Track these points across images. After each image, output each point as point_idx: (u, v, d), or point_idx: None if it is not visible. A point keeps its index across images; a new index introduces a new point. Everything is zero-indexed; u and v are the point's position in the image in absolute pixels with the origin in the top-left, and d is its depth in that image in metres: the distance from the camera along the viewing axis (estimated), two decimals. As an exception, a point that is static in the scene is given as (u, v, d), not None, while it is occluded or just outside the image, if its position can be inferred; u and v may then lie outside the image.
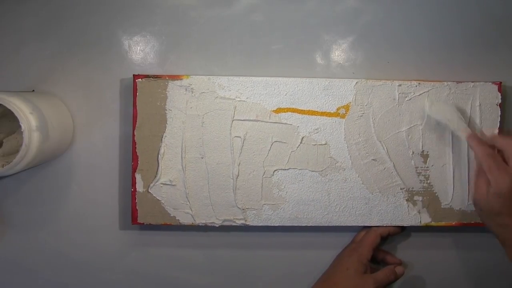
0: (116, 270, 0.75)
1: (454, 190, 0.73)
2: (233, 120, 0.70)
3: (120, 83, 0.73)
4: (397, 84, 0.71)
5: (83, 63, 0.73)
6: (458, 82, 0.71)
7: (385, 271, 0.71)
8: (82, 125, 0.74)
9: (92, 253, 0.75)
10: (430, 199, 0.73)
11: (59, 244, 0.75)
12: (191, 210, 0.71)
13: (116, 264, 0.75)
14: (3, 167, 0.63)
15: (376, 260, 0.75)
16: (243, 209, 0.71)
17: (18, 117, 0.60)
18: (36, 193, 0.74)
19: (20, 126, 0.60)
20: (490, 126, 0.72)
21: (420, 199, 0.72)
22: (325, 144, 0.71)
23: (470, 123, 0.71)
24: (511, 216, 0.62)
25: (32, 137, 0.61)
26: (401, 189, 0.72)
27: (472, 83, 0.72)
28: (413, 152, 0.72)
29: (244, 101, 0.70)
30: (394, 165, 0.72)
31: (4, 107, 0.60)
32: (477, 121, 0.72)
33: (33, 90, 0.72)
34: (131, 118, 0.71)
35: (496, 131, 0.72)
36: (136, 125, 0.70)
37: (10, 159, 0.65)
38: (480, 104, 0.72)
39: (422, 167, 0.72)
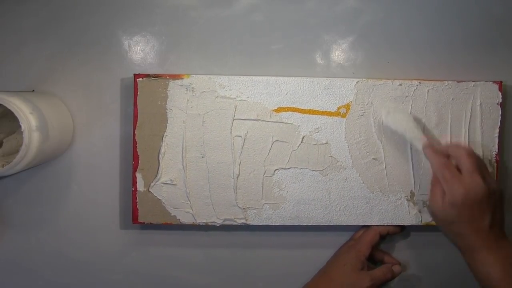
0: (116, 270, 0.75)
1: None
2: (233, 120, 0.70)
3: (121, 83, 0.73)
4: (398, 84, 0.71)
5: (83, 63, 0.73)
6: (458, 81, 0.72)
7: (382, 269, 0.71)
8: (82, 125, 0.73)
9: (93, 253, 0.75)
10: (431, 198, 0.73)
11: (59, 244, 0.75)
12: (192, 209, 0.71)
13: (117, 264, 0.75)
14: (3, 167, 0.62)
15: (374, 260, 0.75)
16: (243, 209, 0.71)
17: (18, 117, 0.60)
18: (36, 193, 0.74)
19: (20, 126, 0.60)
20: (491, 125, 0.72)
21: (421, 199, 0.72)
22: (325, 143, 0.71)
23: (425, 131, 0.72)
24: (465, 224, 0.62)
25: (32, 137, 0.61)
26: (401, 188, 0.72)
27: (473, 82, 0.72)
28: (413, 151, 0.72)
29: (244, 100, 0.70)
30: (394, 164, 0.72)
31: (4, 107, 0.60)
32: (478, 120, 0.72)
33: (33, 90, 0.72)
34: (132, 117, 0.71)
35: (497, 130, 0.72)
36: (137, 125, 0.70)
37: (10, 159, 0.65)
38: (481, 104, 0.72)
39: (422, 166, 0.72)
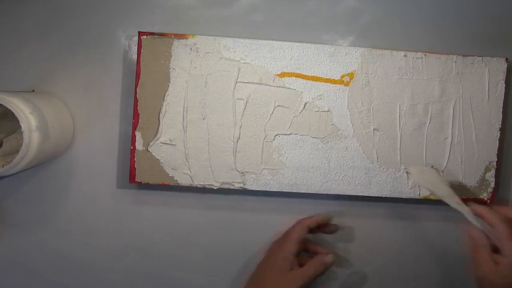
0: (116, 270, 0.75)
1: (454, 164, 0.72)
2: (236, 82, 0.70)
3: (122, 82, 0.73)
4: (403, 55, 0.71)
5: (83, 63, 0.73)
6: (464, 55, 0.71)
7: (312, 264, 0.68)
8: (82, 125, 0.73)
9: (94, 252, 0.75)
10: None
11: (59, 244, 0.74)
12: (190, 171, 0.71)
13: (117, 264, 0.75)
14: (3, 167, 0.62)
15: (309, 252, 0.73)
16: (242, 173, 0.71)
17: (18, 117, 0.59)
18: (36, 193, 0.74)
19: (20, 126, 0.60)
20: (495, 101, 0.72)
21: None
22: (328, 111, 0.71)
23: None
24: None
25: (32, 137, 0.60)
26: (401, 160, 0.72)
27: (479, 57, 0.71)
28: (415, 124, 0.72)
29: (248, 63, 0.70)
30: (395, 136, 0.71)
31: (4, 107, 0.60)
32: (482, 95, 0.72)
33: (33, 90, 0.72)
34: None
35: (501, 106, 0.72)
36: (139, 82, 0.69)
37: (10, 159, 0.64)
38: (486, 79, 0.71)
39: (423, 140, 0.72)
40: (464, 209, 0.65)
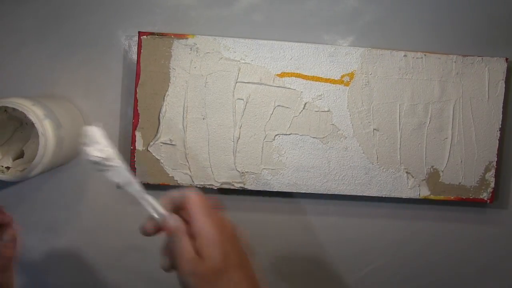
0: (116, 269, 0.75)
1: (454, 164, 0.72)
2: (236, 82, 0.70)
3: (122, 82, 0.73)
4: (403, 55, 0.71)
5: (83, 63, 0.73)
6: (464, 55, 0.71)
7: None
8: None
9: (94, 252, 0.75)
10: (430, 172, 0.72)
11: (60, 244, 0.75)
12: (190, 171, 0.71)
13: (117, 263, 0.75)
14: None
15: None
16: (242, 173, 0.71)
17: (22, 110, 0.59)
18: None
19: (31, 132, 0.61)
20: (495, 101, 0.72)
21: (420, 172, 0.72)
22: (327, 111, 0.71)
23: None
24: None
25: (44, 125, 0.60)
26: (401, 160, 0.72)
27: (479, 57, 0.71)
28: (415, 124, 0.71)
29: (248, 63, 0.70)
30: (395, 136, 0.71)
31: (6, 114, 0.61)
32: (482, 95, 0.72)
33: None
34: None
35: (501, 106, 0.72)
36: (139, 83, 0.69)
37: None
38: (486, 79, 0.71)
39: (423, 140, 0.72)
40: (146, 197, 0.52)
